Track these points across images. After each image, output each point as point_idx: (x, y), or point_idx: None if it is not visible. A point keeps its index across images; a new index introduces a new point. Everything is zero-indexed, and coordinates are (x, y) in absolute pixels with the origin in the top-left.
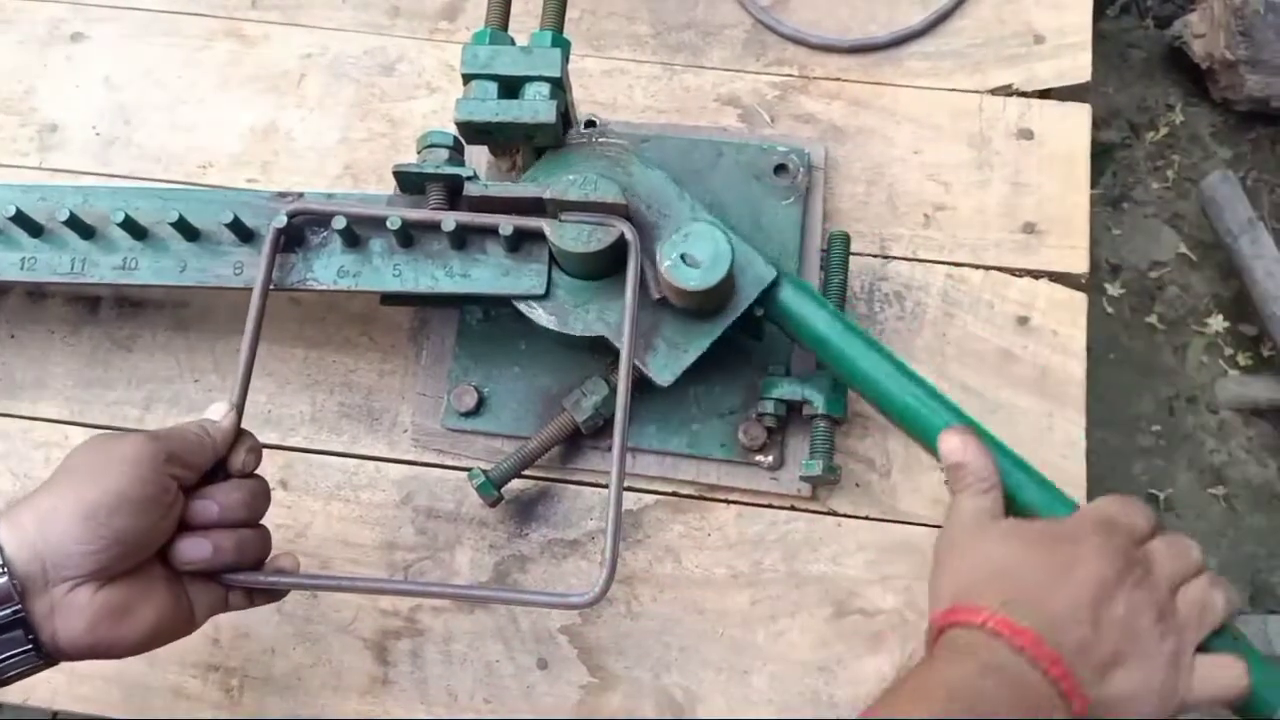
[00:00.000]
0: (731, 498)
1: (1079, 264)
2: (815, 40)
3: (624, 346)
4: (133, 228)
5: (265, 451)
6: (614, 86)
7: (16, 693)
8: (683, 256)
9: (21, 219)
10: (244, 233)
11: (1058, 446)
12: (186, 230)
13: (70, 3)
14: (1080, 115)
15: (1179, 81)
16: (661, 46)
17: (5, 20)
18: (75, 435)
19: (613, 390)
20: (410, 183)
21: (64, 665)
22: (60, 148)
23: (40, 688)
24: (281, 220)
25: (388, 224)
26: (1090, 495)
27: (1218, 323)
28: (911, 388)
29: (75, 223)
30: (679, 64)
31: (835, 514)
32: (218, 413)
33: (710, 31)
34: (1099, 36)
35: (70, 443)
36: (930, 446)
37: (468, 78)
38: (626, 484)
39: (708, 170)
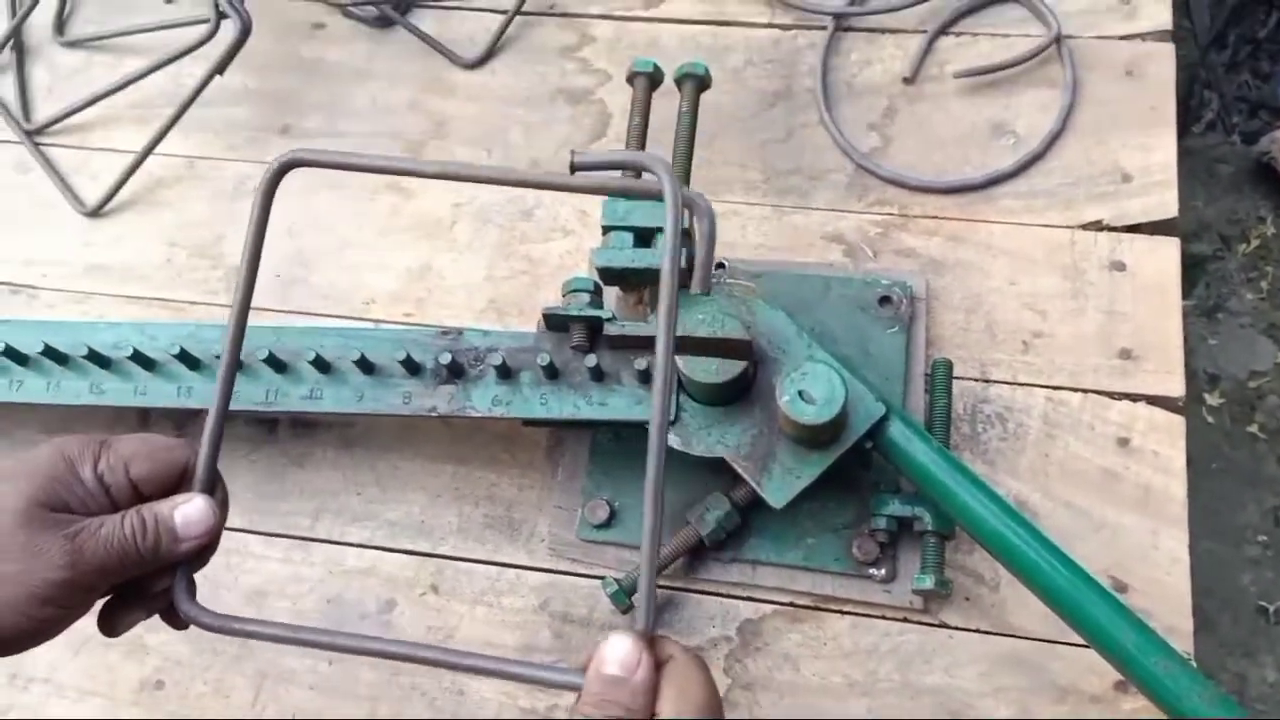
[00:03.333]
0: (846, 609)
1: (1175, 388)
2: (913, 182)
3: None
4: (320, 364)
5: (418, 559)
6: (729, 226)
7: None
8: (800, 393)
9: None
10: (413, 367)
11: (1163, 564)
12: (365, 365)
13: (254, 162)
14: (1169, 248)
15: (1268, 194)
16: (771, 190)
17: (198, 177)
18: (253, 542)
19: (734, 506)
20: (556, 322)
21: None
22: None
23: None
24: (448, 356)
25: (538, 359)
26: (1197, 609)
27: None
28: (1012, 525)
29: (271, 359)
30: (787, 205)
31: (947, 626)
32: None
33: (815, 176)
34: (1185, 153)
35: (249, 549)
36: (1027, 580)
37: (607, 229)
38: (747, 594)
39: (816, 302)
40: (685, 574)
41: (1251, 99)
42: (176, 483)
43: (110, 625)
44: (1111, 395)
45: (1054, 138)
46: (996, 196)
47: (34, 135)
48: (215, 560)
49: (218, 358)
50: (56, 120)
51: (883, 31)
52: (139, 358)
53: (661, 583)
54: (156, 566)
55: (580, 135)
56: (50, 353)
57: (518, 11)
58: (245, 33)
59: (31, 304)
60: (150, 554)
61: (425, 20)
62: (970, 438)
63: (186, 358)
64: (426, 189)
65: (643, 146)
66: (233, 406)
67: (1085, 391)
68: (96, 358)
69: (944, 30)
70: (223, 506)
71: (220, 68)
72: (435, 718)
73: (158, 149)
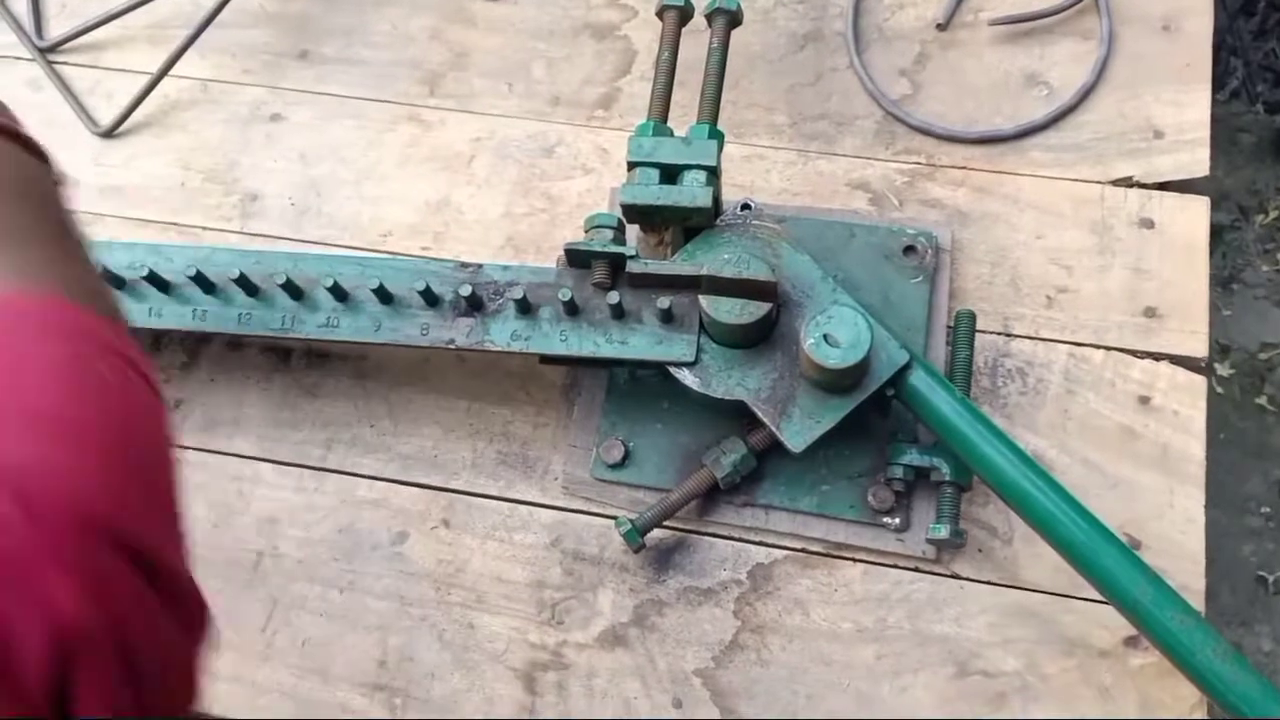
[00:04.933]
0: (858, 556)
1: (1199, 348)
2: (942, 131)
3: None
4: (337, 291)
5: (430, 493)
6: (752, 170)
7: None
8: (825, 336)
9: (242, 280)
10: (432, 298)
11: (1178, 523)
12: (383, 295)
13: (270, 87)
14: (1199, 206)
15: None
16: (797, 135)
17: (213, 101)
18: (265, 470)
19: (750, 450)
20: (579, 259)
21: (248, 679)
22: (259, 215)
23: (224, 698)
24: (468, 288)
25: (560, 295)
26: (1208, 573)
27: None
28: (1031, 477)
29: (288, 285)
30: (813, 151)
31: (958, 577)
32: None
33: (843, 122)
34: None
35: (262, 477)
36: (1044, 532)
37: (632, 164)
38: (759, 538)
39: (840, 249)
40: (698, 516)
41: (1277, 68)
42: None
43: None
44: (1134, 353)
45: (1087, 91)
46: (1026, 148)
47: (47, 53)
48: (227, 486)
49: (234, 281)
50: (70, 38)
51: None
52: (154, 279)
53: (674, 524)
54: None
55: (604, 71)
56: None
57: None
58: None
59: None
60: None
61: None
62: (990, 391)
63: (202, 280)
64: (446, 121)
65: (671, 83)
66: (249, 331)
67: (1108, 349)
68: (111, 278)
69: None
70: None
71: None
72: (443, 651)
73: (172, 71)
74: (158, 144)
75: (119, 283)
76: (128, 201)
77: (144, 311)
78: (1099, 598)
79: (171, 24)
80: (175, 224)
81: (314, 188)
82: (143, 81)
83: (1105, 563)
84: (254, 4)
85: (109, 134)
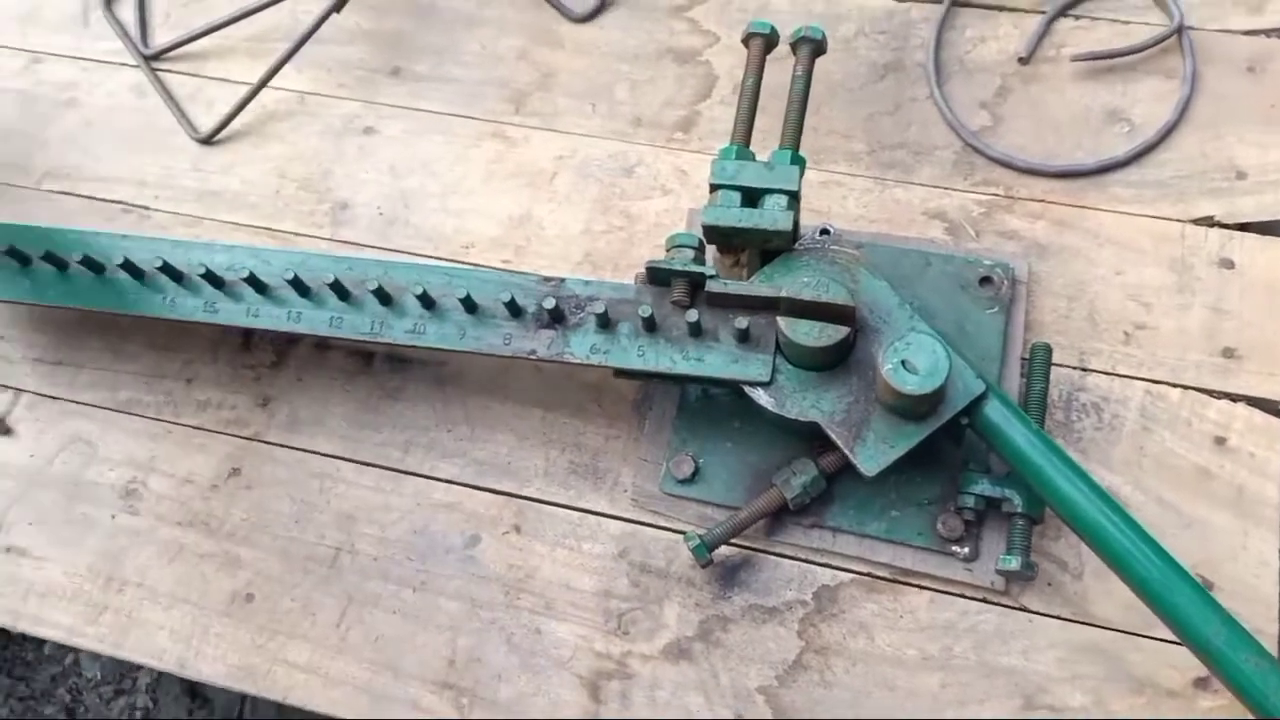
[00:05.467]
0: (925, 584)
1: (1277, 391)
2: (1022, 164)
3: None
4: (425, 299)
5: (503, 498)
6: (829, 196)
7: (278, 689)
8: (903, 362)
9: (336, 285)
10: (515, 309)
11: (1251, 565)
12: (469, 305)
13: (364, 101)
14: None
15: None
16: (875, 163)
17: (310, 113)
18: (346, 469)
19: (821, 473)
20: (659, 276)
21: (323, 670)
22: (349, 223)
23: (299, 688)
24: (551, 301)
25: (640, 311)
26: None
27: None
28: (1107, 512)
29: (379, 292)
30: (890, 179)
31: (1027, 610)
32: None
33: (921, 152)
34: None
35: (342, 475)
36: (1118, 567)
37: (715, 187)
38: (825, 560)
39: (916, 277)
40: (766, 535)
41: None
42: None
43: None
44: (1211, 393)
45: (1169, 129)
46: (1107, 184)
47: (152, 60)
48: (309, 483)
49: (328, 286)
50: (174, 47)
51: (999, 9)
52: (253, 280)
53: (741, 543)
54: None
55: (686, 95)
56: (167, 269)
57: None
58: None
59: (142, 224)
60: None
61: None
62: (1064, 425)
63: (298, 284)
64: (530, 139)
65: (754, 109)
66: (339, 334)
67: (1185, 388)
68: (212, 277)
69: (1063, 12)
70: None
71: (338, 5)
72: (510, 655)
73: (270, 82)
74: (255, 152)
75: (219, 282)
76: (225, 206)
77: (241, 311)
78: (1170, 637)
79: (270, 37)
80: (269, 229)
81: (402, 199)
82: (242, 91)
83: (1179, 601)
84: (351, 21)
85: (208, 140)
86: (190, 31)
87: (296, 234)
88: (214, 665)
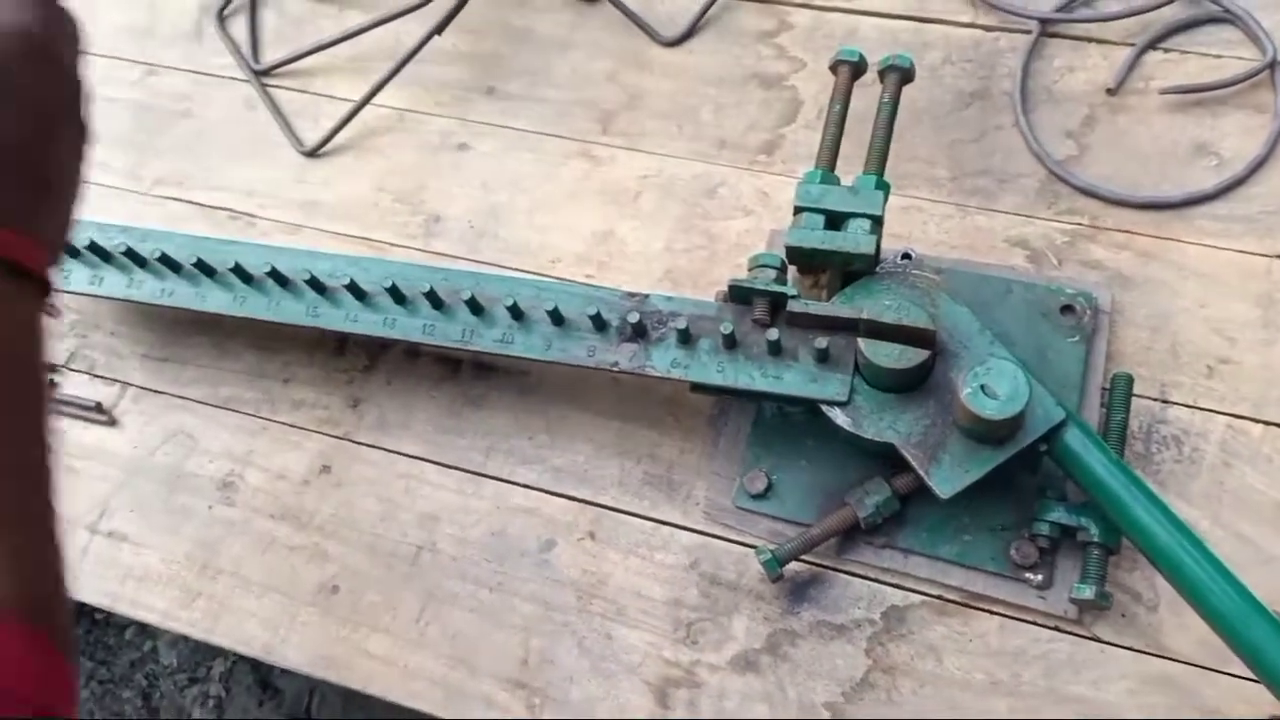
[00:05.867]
0: (996, 609)
1: None
2: (1107, 194)
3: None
4: (515, 311)
5: (578, 505)
6: (910, 221)
7: (358, 679)
8: (983, 387)
9: (430, 294)
10: (600, 323)
11: None
12: (556, 317)
13: (459, 119)
14: None
15: None
16: (957, 190)
17: (406, 129)
18: (429, 471)
19: (894, 493)
20: (741, 295)
21: (401, 663)
22: (441, 235)
23: (379, 679)
24: (635, 316)
25: (721, 328)
26: None
27: None
28: (1185, 544)
29: (471, 302)
30: (972, 206)
31: (1099, 640)
32: None
33: (1005, 179)
34: None
35: (426, 477)
36: (1195, 600)
37: (799, 209)
38: (896, 581)
39: (996, 304)
40: (836, 553)
41: None
42: None
43: None
44: None
45: (1259, 164)
46: (1193, 217)
47: (261, 76)
48: (395, 483)
49: (423, 295)
50: (282, 64)
51: (1089, 40)
52: (353, 287)
53: (811, 559)
54: None
55: (770, 119)
56: (275, 274)
57: None
58: None
59: (248, 231)
60: None
61: None
62: (1143, 456)
63: (394, 292)
64: (616, 158)
65: (840, 134)
66: (431, 340)
67: (1267, 424)
68: (315, 284)
69: (1153, 45)
70: None
71: (439, 28)
72: (582, 658)
73: (372, 100)
74: (355, 165)
75: (321, 288)
76: (325, 215)
77: (341, 316)
78: (1246, 673)
79: (373, 57)
80: (366, 238)
81: (492, 213)
82: (345, 107)
83: (1256, 636)
84: (449, 43)
85: (313, 153)
86: (299, 49)
87: (391, 244)
88: (299, 653)
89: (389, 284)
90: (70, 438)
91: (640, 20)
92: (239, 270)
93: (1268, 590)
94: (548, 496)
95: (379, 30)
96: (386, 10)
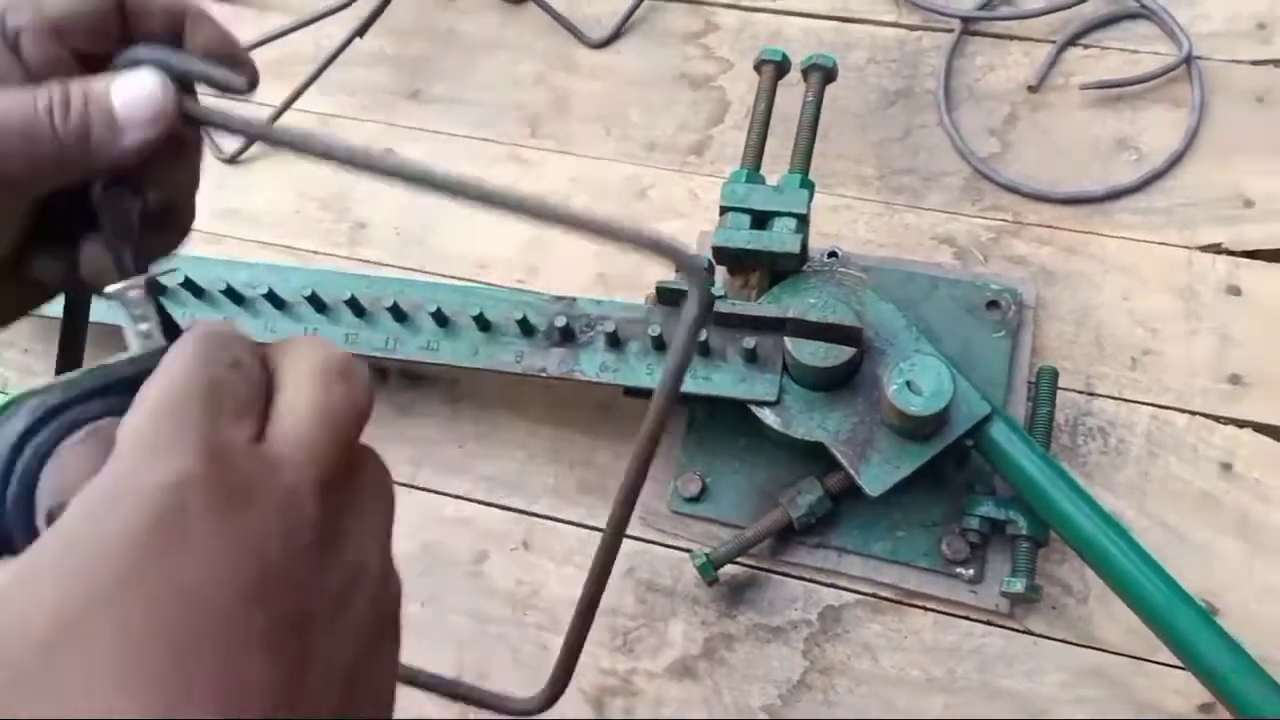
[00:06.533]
0: (930, 605)
1: None
2: (1030, 190)
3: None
4: (439, 317)
5: (512, 515)
6: (839, 220)
7: None
8: (908, 383)
9: (352, 302)
10: (527, 328)
11: (1256, 591)
12: (482, 323)
13: (385, 123)
14: None
15: None
16: (885, 188)
17: (330, 134)
18: None
19: (826, 493)
20: (669, 296)
21: None
22: (367, 242)
23: None
24: (562, 320)
25: (649, 330)
26: None
27: None
28: (1111, 535)
29: (394, 309)
30: (899, 203)
31: (1031, 633)
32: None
33: (930, 177)
34: None
35: None
36: (1122, 591)
37: (725, 209)
38: (830, 580)
39: (922, 300)
40: (771, 555)
41: None
42: (114, 22)
43: (23, 273)
44: (1217, 419)
45: (1177, 157)
46: (1114, 211)
47: None
48: None
49: (344, 303)
50: None
51: (1010, 38)
52: (271, 297)
53: (746, 561)
54: (87, 171)
55: (699, 120)
56: (190, 285)
57: None
58: None
59: None
60: (73, 144)
61: None
62: (1069, 449)
63: (315, 300)
64: (545, 161)
65: (765, 133)
66: (354, 350)
67: (1191, 413)
68: (232, 294)
69: (1072, 41)
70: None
71: (361, 30)
72: (518, 669)
73: (294, 104)
74: (276, 172)
75: (239, 299)
76: (246, 224)
77: (260, 327)
78: (1175, 662)
79: (295, 61)
80: (290, 247)
81: (419, 219)
82: (266, 113)
83: (1183, 625)
84: (374, 46)
85: (232, 160)
86: None
87: (316, 252)
88: None
89: (308, 292)
90: None
91: (567, 22)
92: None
93: (1194, 579)
94: (480, 507)
95: (300, 34)
96: (308, 13)
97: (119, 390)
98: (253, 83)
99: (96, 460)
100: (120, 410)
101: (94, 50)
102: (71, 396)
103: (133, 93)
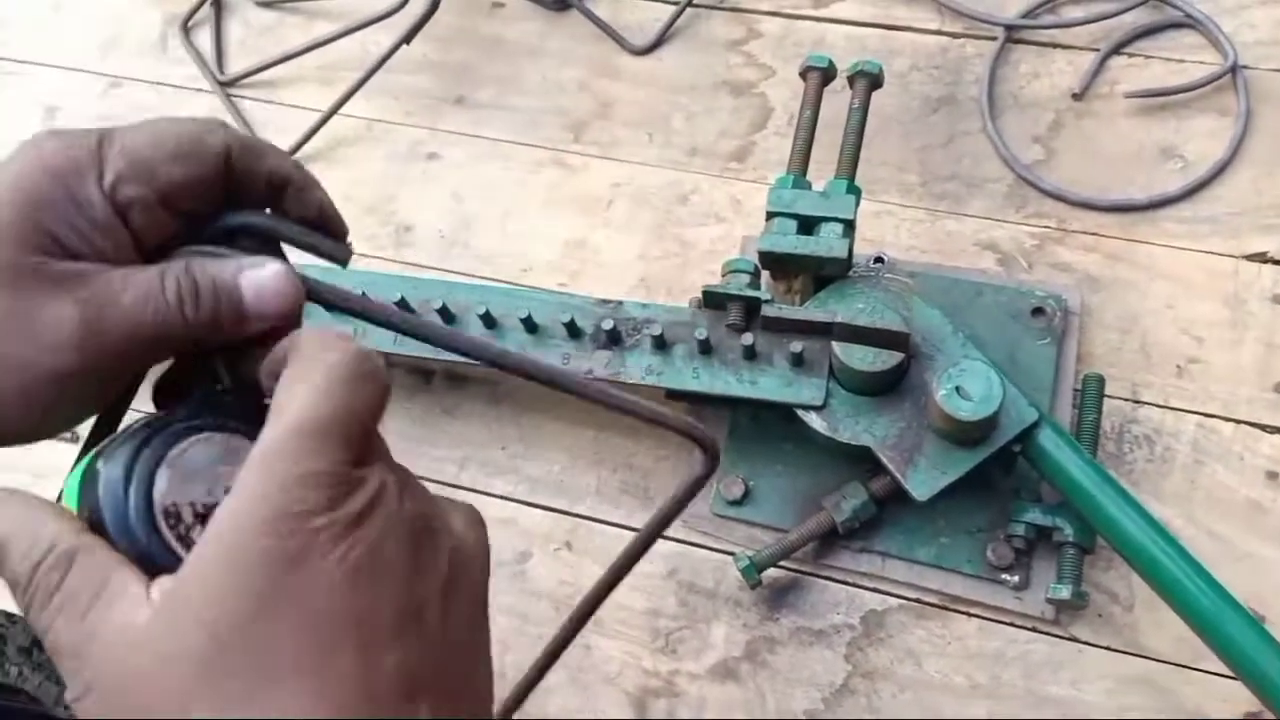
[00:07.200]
0: (974, 611)
1: None
2: (1074, 197)
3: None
4: (488, 319)
5: (555, 515)
6: (881, 226)
7: None
8: (957, 388)
9: (401, 304)
10: (574, 330)
11: None
12: (529, 325)
13: (429, 128)
14: None
15: None
16: (927, 194)
17: (376, 139)
18: None
19: (871, 497)
20: (715, 300)
21: None
22: (411, 245)
23: None
24: (609, 323)
25: (695, 334)
26: None
27: None
28: (1159, 542)
29: (443, 311)
30: (942, 210)
31: (1077, 640)
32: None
33: (973, 184)
34: None
35: None
36: (1170, 598)
37: (771, 214)
38: (874, 585)
39: (967, 307)
40: (814, 558)
41: None
42: (219, 187)
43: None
44: (1264, 428)
45: (1223, 166)
46: (1159, 219)
47: (226, 87)
48: None
49: (394, 304)
50: (248, 74)
51: (1054, 46)
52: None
53: (789, 565)
54: (208, 350)
55: (740, 126)
56: None
57: (689, 4)
58: (434, 6)
59: None
60: (203, 329)
61: (599, 6)
62: (1115, 456)
63: None
64: (588, 166)
65: (811, 139)
66: (401, 351)
67: (1238, 422)
68: None
69: (1117, 50)
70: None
71: (408, 37)
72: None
73: (340, 110)
74: (323, 176)
75: None
76: None
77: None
78: (1222, 670)
79: (341, 66)
80: None
81: (463, 222)
82: (313, 118)
83: (1231, 633)
84: (418, 52)
85: None
86: (264, 60)
87: (361, 254)
88: None
89: (358, 293)
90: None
91: (610, 29)
92: None
93: (1242, 587)
94: (523, 507)
95: (347, 40)
96: (354, 20)
97: (212, 413)
98: (351, 250)
99: (213, 464)
100: (213, 427)
101: (199, 212)
102: (173, 418)
103: (262, 285)
